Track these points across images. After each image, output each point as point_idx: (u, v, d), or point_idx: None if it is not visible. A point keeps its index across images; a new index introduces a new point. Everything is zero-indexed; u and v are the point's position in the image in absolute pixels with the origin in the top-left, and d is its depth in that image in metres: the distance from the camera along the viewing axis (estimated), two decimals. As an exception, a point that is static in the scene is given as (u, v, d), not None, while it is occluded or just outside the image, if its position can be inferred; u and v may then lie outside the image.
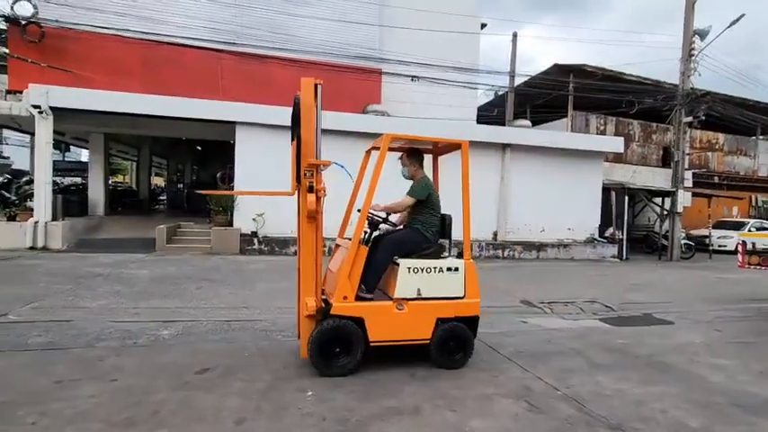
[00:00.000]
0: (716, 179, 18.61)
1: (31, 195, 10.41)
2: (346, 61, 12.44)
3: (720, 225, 16.18)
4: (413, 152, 3.85)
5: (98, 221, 11.70)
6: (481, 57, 15.06)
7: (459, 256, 3.67)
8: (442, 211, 3.86)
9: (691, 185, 15.35)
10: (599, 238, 12.89)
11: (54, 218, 9.65)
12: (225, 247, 10.08)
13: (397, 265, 3.48)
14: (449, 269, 3.53)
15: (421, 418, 2.74)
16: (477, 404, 2.96)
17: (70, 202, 11.37)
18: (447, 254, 3.76)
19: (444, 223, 3.82)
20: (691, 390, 3.38)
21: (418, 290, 3.45)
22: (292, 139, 3.33)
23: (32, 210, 9.57)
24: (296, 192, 3.33)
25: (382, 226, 3.79)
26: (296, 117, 3.26)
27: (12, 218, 9.44)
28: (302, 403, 2.84)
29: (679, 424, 2.81)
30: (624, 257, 12.66)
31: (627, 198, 13.12)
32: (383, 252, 3.53)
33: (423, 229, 3.64)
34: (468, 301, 3.54)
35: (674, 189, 13.25)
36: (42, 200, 9.42)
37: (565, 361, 3.94)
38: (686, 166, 14.92)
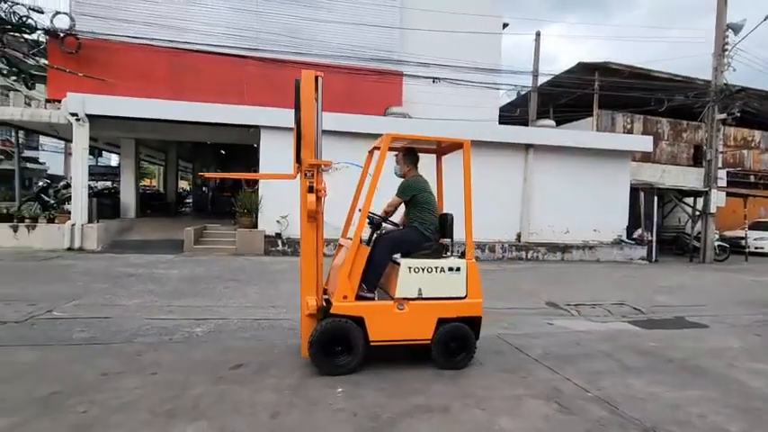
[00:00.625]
0: (752, 178, 17.86)
1: (68, 199, 10.92)
2: (367, 64, 12.56)
3: (757, 226, 15.49)
4: (408, 152, 3.89)
5: (129, 224, 12.16)
6: (504, 56, 14.95)
7: (462, 255, 3.64)
8: (446, 211, 3.86)
9: (725, 185, 14.77)
10: (626, 240, 12.55)
11: (89, 220, 10.09)
12: (249, 249, 10.31)
13: (398, 264, 3.48)
14: (450, 269, 3.51)
15: (450, 415, 2.76)
16: (506, 404, 2.95)
17: (103, 205, 11.87)
18: (449, 253, 3.76)
19: (446, 222, 3.79)
20: (729, 394, 3.28)
21: (419, 290, 3.44)
22: (295, 122, 3.34)
23: (70, 213, 10.04)
24: (297, 174, 3.36)
25: (385, 225, 3.81)
26: (297, 101, 3.29)
27: (51, 220, 9.92)
28: (332, 399, 2.90)
29: (718, 429, 2.73)
30: (653, 259, 12.29)
31: (656, 198, 12.74)
32: (382, 251, 3.54)
33: (421, 227, 3.64)
34: (470, 302, 3.51)
35: (706, 189, 12.78)
36: (79, 203, 9.87)
37: (594, 363, 3.88)
38: (720, 165, 14.38)
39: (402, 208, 3.87)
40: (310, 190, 3.22)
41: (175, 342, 4.02)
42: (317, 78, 3.31)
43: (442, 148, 4.10)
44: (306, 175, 3.24)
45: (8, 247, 9.35)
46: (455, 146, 3.85)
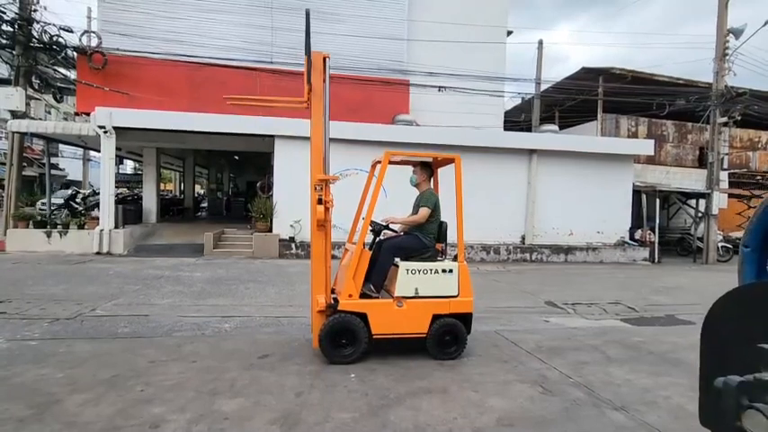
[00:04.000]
0: (759, 179, 17.93)
1: (95, 206, 11.64)
2: (376, 74, 13.07)
3: (762, 227, 15.60)
4: (424, 165, 4.38)
5: (152, 228, 12.84)
6: (511, 57, 15.34)
7: (455, 258, 4.08)
8: (445, 214, 4.30)
9: (727, 186, 14.96)
10: (629, 241, 12.84)
11: (116, 226, 10.76)
12: (265, 252, 10.89)
13: (398, 266, 3.94)
14: (444, 271, 3.95)
15: (448, 396, 3.23)
16: (497, 387, 3.42)
17: (127, 211, 12.56)
18: (443, 257, 4.21)
19: (440, 229, 4.25)
20: (698, 381, 3.68)
21: (416, 289, 3.88)
22: (306, 53, 3.71)
23: (97, 218, 10.74)
24: (308, 100, 3.73)
25: (385, 231, 4.28)
26: (308, 29, 3.71)
27: (81, 226, 10.63)
28: (347, 383, 3.40)
29: (679, 407, 3.15)
30: (656, 260, 12.56)
31: (659, 200, 13.01)
32: (385, 256, 4.01)
33: (421, 235, 4.10)
34: (462, 300, 3.95)
35: (708, 191, 13.02)
36: (107, 210, 10.55)
37: (581, 355, 4.31)
38: (725, 166, 14.56)
39: (408, 209, 4.36)
40: (319, 202, 3.67)
41: (208, 336, 4.56)
42: (325, 60, 3.69)
43: (437, 162, 4.56)
44: (316, 188, 3.69)
45: (42, 252, 10.07)
46: (448, 161, 4.33)
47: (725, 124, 13.06)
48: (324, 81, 3.69)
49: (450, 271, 3.96)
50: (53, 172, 29.01)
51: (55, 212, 11.52)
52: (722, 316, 0.92)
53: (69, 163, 31.01)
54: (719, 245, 13.17)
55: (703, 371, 0.93)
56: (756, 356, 0.80)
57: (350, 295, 3.78)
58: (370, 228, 4.02)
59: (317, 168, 3.74)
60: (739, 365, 0.80)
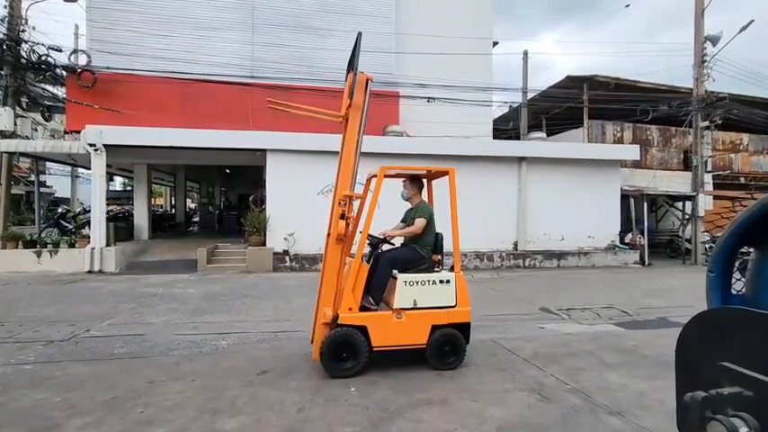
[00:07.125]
0: (742, 180, 18.37)
1: (85, 224, 11.52)
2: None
3: (748, 227, 15.93)
4: (414, 179, 4.46)
5: (144, 245, 12.72)
6: (498, 67, 15.61)
7: (452, 269, 4.15)
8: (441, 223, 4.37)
9: (711, 188, 15.30)
10: (620, 245, 13.03)
11: (107, 244, 10.65)
12: (259, 266, 10.84)
13: (396, 279, 3.99)
14: (441, 281, 4.00)
15: (448, 407, 3.27)
16: (495, 396, 3.46)
17: (118, 228, 12.44)
18: (440, 267, 4.28)
19: (436, 241, 4.32)
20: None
21: (414, 301, 3.93)
22: (348, 72, 3.87)
23: (88, 237, 10.62)
24: (346, 117, 3.82)
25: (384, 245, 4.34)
26: (356, 49, 3.91)
27: (72, 245, 10.50)
28: (348, 397, 3.41)
29: (673, 411, 3.20)
30: (646, 263, 12.75)
31: (646, 203, 13.25)
32: (383, 268, 4.06)
33: (418, 247, 4.17)
34: (460, 310, 4.00)
35: (694, 193, 13.31)
36: (98, 228, 10.44)
37: (577, 361, 4.37)
38: (709, 169, 14.91)
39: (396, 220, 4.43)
40: (342, 217, 3.73)
41: (206, 354, 4.54)
42: (367, 81, 3.79)
43: (431, 175, 4.66)
44: (340, 203, 3.75)
45: (33, 272, 9.92)
46: (442, 173, 4.42)
47: (707, 128, 13.42)
48: (364, 100, 3.81)
49: (448, 282, 4.02)
50: (41, 189, 28.64)
51: (45, 231, 11.37)
52: (691, 338, 1.03)
53: (57, 180, 30.59)
54: (707, 246, 13.42)
55: (677, 386, 1.04)
56: (719, 374, 0.89)
57: (349, 309, 3.81)
58: (367, 241, 4.07)
59: (344, 183, 3.80)
60: (705, 382, 0.90)
